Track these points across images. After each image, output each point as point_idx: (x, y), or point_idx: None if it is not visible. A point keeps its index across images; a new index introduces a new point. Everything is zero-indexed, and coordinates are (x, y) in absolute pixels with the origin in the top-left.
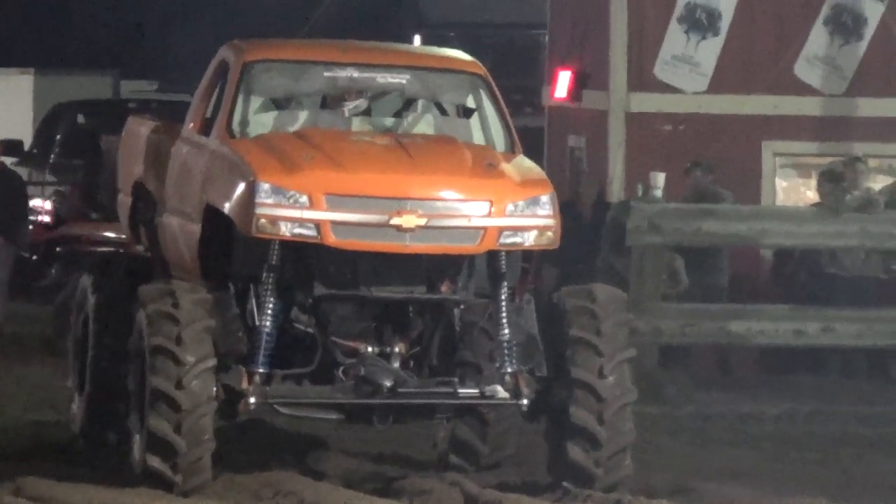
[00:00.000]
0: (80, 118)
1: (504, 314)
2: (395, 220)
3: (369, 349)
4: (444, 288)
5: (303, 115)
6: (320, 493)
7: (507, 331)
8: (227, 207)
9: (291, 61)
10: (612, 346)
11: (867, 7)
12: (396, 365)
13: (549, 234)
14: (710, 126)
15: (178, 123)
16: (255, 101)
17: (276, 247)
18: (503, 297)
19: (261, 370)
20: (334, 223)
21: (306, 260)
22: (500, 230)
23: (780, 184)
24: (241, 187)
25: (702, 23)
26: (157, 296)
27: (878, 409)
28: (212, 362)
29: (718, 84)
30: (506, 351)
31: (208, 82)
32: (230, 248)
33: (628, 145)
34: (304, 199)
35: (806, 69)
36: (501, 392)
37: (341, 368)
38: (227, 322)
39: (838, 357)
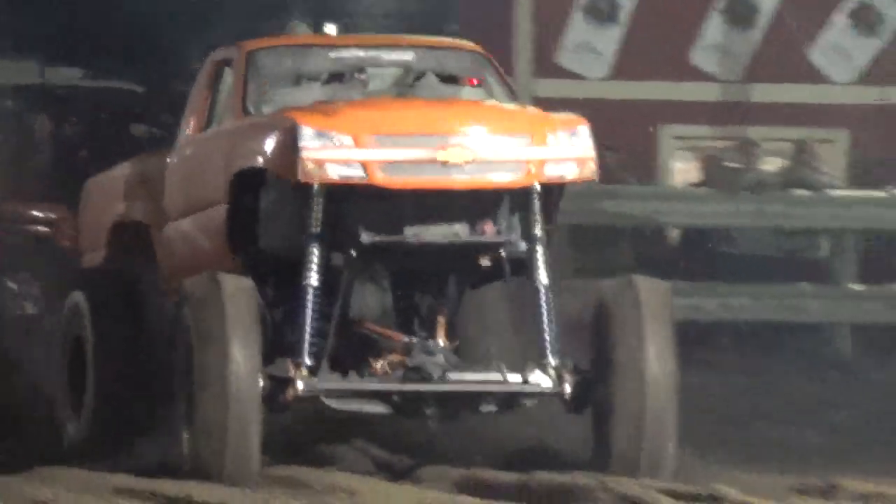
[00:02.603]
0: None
1: (544, 288)
2: (440, 156)
3: (414, 339)
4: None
5: (315, 94)
6: (368, 486)
7: (546, 316)
8: (266, 161)
9: (294, 46)
10: (656, 338)
11: None
12: (441, 356)
13: (591, 165)
14: (612, 111)
15: (148, 154)
16: (265, 85)
17: (320, 200)
18: (541, 262)
19: (307, 362)
20: (381, 162)
21: (348, 215)
22: (543, 162)
23: (677, 166)
24: (282, 137)
25: (603, 12)
26: (201, 286)
27: (765, 380)
28: (258, 352)
29: (619, 71)
30: (547, 339)
31: (203, 88)
32: (260, 223)
33: None
34: (349, 139)
35: (702, 57)
36: (546, 381)
37: (388, 360)
38: (270, 312)
39: (732, 331)
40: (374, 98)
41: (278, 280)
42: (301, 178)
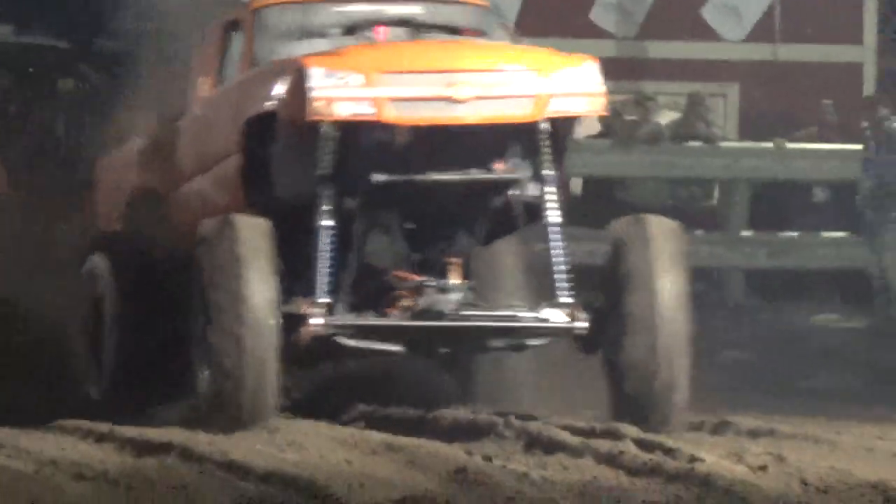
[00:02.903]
0: None
1: (556, 228)
2: (448, 92)
3: (427, 279)
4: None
5: (323, 48)
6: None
7: (558, 254)
8: (276, 104)
9: (301, 3)
10: (667, 278)
11: None
12: (453, 295)
13: (599, 100)
14: None
15: (159, 125)
16: (274, 41)
17: (330, 141)
18: (552, 202)
19: (322, 300)
20: (390, 99)
21: (359, 157)
22: (551, 97)
23: None
24: (291, 79)
25: None
26: (215, 226)
27: None
28: (274, 288)
29: (523, 29)
30: (561, 277)
31: (212, 50)
32: (273, 170)
33: None
34: (358, 77)
35: (601, 15)
36: (559, 318)
37: (401, 299)
38: (286, 251)
39: None
40: (382, 41)
41: (295, 227)
42: (311, 116)
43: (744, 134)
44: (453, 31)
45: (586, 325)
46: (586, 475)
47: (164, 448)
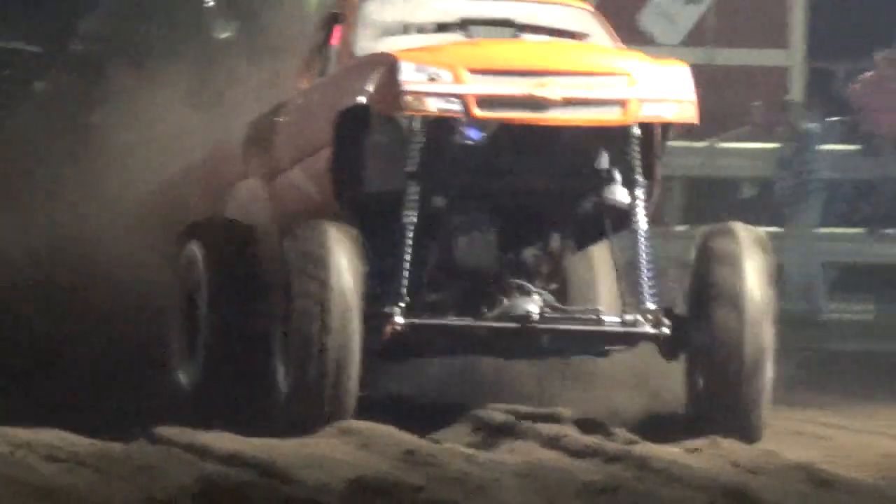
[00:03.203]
0: None
1: (643, 234)
2: (539, 92)
3: (510, 280)
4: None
5: (421, 43)
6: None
7: (646, 258)
8: (367, 97)
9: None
10: (756, 293)
11: None
12: (537, 297)
13: (690, 107)
14: None
15: (262, 115)
16: (374, 31)
17: (420, 137)
18: (641, 208)
19: (404, 301)
20: (479, 97)
21: (447, 153)
22: (642, 102)
23: None
24: (383, 72)
25: None
26: (306, 232)
27: None
28: (359, 289)
29: None
30: (647, 283)
31: (315, 42)
32: (363, 164)
33: None
34: (448, 74)
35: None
36: (644, 325)
37: (483, 300)
38: (372, 256)
39: None
40: (474, 39)
41: (384, 224)
42: (399, 110)
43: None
44: (554, 32)
45: (668, 332)
46: (530, 457)
47: (133, 433)
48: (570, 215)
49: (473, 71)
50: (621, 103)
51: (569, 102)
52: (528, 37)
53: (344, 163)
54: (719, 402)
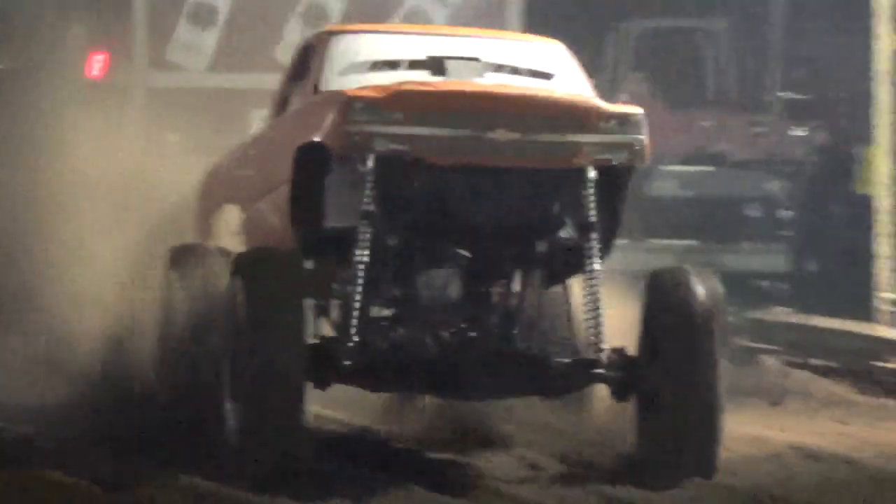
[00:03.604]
0: None
1: (596, 276)
2: (489, 135)
3: (460, 321)
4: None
5: (387, 79)
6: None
7: (598, 302)
8: (319, 134)
9: (373, 32)
10: (708, 337)
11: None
12: (489, 335)
13: (641, 151)
14: (212, 98)
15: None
16: (341, 68)
17: (372, 176)
18: (594, 245)
19: (353, 338)
20: (427, 137)
21: (397, 195)
22: (594, 145)
23: None
24: (334, 109)
25: (203, 16)
26: (250, 265)
27: None
28: (302, 326)
29: (218, 64)
30: (599, 324)
31: (286, 74)
32: (320, 199)
33: (149, 114)
34: (399, 115)
35: (285, 53)
36: (597, 366)
37: (431, 338)
38: (322, 289)
39: None
40: (428, 80)
41: (342, 260)
42: (348, 149)
43: None
44: (522, 70)
45: (621, 373)
46: None
47: None
48: (525, 256)
49: (425, 111)
50: (572, 146)
51: (518, 144)
52: (494, 75)
53: (301, 198)
54: (681, 442)
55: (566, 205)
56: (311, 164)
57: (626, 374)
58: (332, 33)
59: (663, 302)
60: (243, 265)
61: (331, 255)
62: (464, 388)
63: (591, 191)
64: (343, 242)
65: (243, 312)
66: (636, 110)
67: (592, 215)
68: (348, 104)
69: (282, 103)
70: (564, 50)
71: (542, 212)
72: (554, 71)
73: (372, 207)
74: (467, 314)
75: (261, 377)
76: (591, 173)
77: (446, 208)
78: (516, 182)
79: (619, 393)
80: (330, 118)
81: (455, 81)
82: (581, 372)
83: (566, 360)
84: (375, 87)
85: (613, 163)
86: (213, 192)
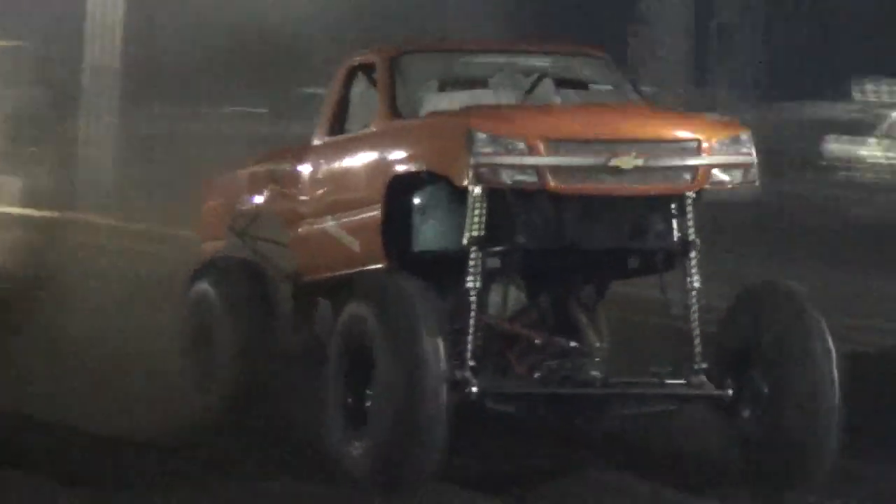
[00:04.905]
0: None
1: (696, 295)
2: (613, 162)
3: (572, 343)
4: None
5: (463, 98)
6: None
7: (698, 320)
8: (433, 164)
9: (436, 51)
10: (826, 352)
11: None
12: (598, 360)
13: (753, 171)
14: None
15: (271, 153)
16: (412, 88)
17: (484, 203)
18: (695, 270)
19: (471, 363)
20: (554, 167)
21: (510, 219)
22: (710, 168)
23: None
24: (453, 140)
25: None
26: (383, 287)
27: None
28: (445, 354)
29: None
30: (697, 343)
31: (336, 92)
32: (415, 225)
33: None
34: (522, 145)
35: None
36: (708, 384)
37: (547, 363)
38: (442, 316)
39: None
40: (542, 103)
41: (431, 283)
42: (473, 182)
43: None
44: (583, 85)
45: (731, 393)
46: None
47: None
48: (620, 271)
49: (547, 140)
50: (692, 170)
51: (641, 170)
52: (563, 91)
53: (394, 221)
54: (788, 462)
55: (669, 224)
56: (409, 189)
57: (736, 392)
58: (398, 53)
59: (778, 315)
60: (375, 292)
61: (422, 278)
62: (576, 413)
63: (692, 210)
64: (439, 265)
65: (380, 342)
66: (745, 128)
67: (693, 233)
68: (472, 135)
69: (335, 122)
70: (609, 62)
71: (650, 233)
72: (609, 84)
73: (482, 233)
74: (575, 337)
75: (409, 409)
76: (692, 193)
77: (558, 233)
78: (628, 206)
79: (731, 411)
80: (449, 148)
81: (574, 106)
82: (698, 392)
83: (680, 381)
84: (493, 114)
85: (733, 184)
86: (231, 200)
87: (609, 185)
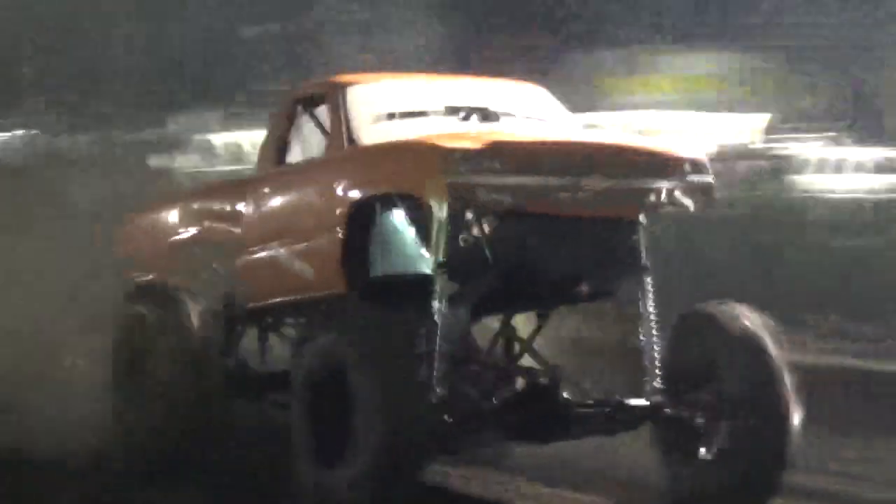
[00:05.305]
0: None
1: (652, 313)
2: (585, 183)
3: (536, 366)
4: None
5: (415, 127)
6: None
7: (653, 342)
8: (405, 186)
9: (385, 81)
10: (782, 365)
11: None
12: (562, 382)
13: (712, 194)
14: None
15: (209, 184)
16: (367, 117)
17: (448, 227)
18: (650, 289)
19: (438, 391)
20: (530, 188)
21: (476, 245)
22: (673, 191)
23: None
24: (426, 160)
25: None
26: (366, 324)
27: None
28: (429, 392)
29: None
30: (655, 364)
31: (282, 122)
32: (375, 250)
33: None
34: (498, 164)
35: None
36: (665, 405)
37: (512, 386)
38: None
39: None
40: (492, 130)
41: (393, 305)
42: (450, 201)
43: None
44: (528, 115)
45: (688, 413)
46: None
47: None
48: (575, 295)
49: (524, 160)
50: (659, 193)
51: (613, 192)
52: (507, 120)
53: (353, 247)
54: (754, 471)
55: (628, 248)
56: (367, 215)
57: (692, 411)
58: (351, 83)
59: (729, 334)
60: (352, 323)
61: (379, 302)
62: (547, 433)
63: (642, 235)
64: (394, 288)
65: (361, 371)
66: (704, 153)
67: (645, 258)
68: (445, 155)
69: (280, 152)
70: (548, 92)
71: (611, 257)
72: (548, 113)
73: (447, 256)
74: (538, 359)
75: (394, 437)
76: (643, 218)
77: (525, 256)
78: (590, 229)
79: (683, 434)
80: (424, 169)
81: (540, 128)
82: (653, 412)
83: (642, 401)
84: (459, 135)
85: (696, 205)
86: (165, 230)
87: (579, 207)
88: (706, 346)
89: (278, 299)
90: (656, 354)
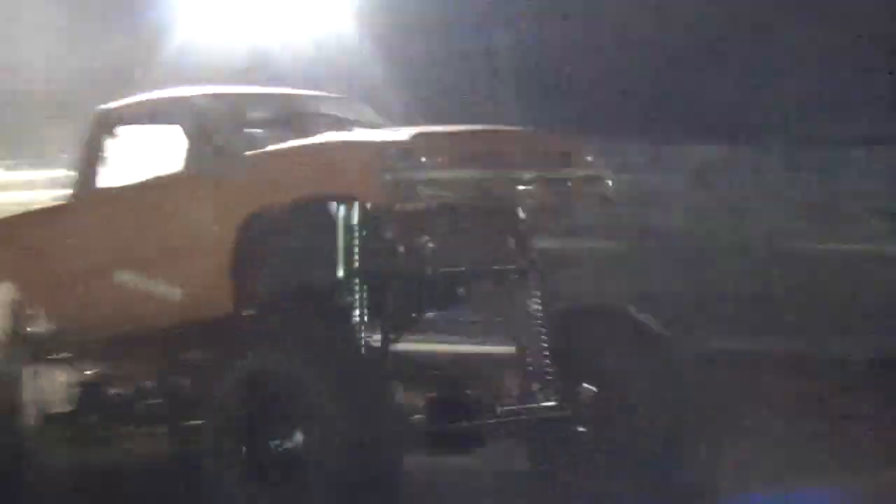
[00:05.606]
0: None
1: (539, 314)
2: (516, 174)
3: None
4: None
5: (262, 139)
6: None
7: (543, 338)
8: (332, 188)
9: (230, 95)
10: (673, 365)
11: None
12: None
13: (608, 184)
14: None
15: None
16: (218, 133)
17: (366, 230)
18: (537, 279)
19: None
20: (463, 181)
21: (393, 244)
22: (580, 182)
23: None
24: (356, 160)
25: None
26: (309, 342)
27: None
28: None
29: None
30: (546, 363)
31: (94, 144)
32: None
33: None
34: (434, 160)
35: None
36: (557, 402)
37: (440, 396)
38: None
39: None
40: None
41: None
42: (393, 202)
43: None
44: (337, 121)
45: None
46: None
47: None
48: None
49: (454, 156)
50: (564, 184)
51: (540, 184)
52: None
53: (243, 264)
54: (648, 468)
55: (523, 243)
56: (268, 224)
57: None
58: (191, 100)
59: (618, 331)
60: (294, 342)
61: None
62: (467, 441)
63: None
64: (306, 296)
65: (315, 390)
66: (589, 147)
67: (535, 251)
68: (382, 153)
69: (90, 169)
70: (359, 101)
71: (512, 251)
72: (371, 122)
73: (363, 262)
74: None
75: (364, 455)
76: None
77: (439, 251)
78: (497, 224)
79: (577, 427)
80: (356, 169)
81: (458, 128)
82: (555, 412)
83: (552, 403)
84: (380, 137)
85: (606, 195)
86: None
87: (510, 199)
88: (591, 345)
89: (126, 329)
90: (546, 353)
